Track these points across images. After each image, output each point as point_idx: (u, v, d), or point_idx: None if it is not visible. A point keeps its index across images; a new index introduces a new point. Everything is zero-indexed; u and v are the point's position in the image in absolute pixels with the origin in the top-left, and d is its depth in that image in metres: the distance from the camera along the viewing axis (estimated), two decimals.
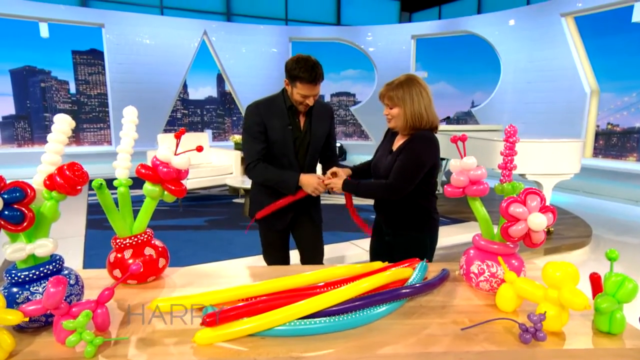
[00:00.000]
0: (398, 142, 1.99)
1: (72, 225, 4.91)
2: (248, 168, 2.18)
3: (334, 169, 2.09)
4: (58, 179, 1.20)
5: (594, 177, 7.32)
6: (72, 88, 10.28)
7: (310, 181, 2.07)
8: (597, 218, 5.74)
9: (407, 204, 1.95)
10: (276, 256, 2.38)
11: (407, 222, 1.98)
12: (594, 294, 1.35)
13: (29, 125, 9.92)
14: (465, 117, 10.98)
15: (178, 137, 1.46)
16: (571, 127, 7.87)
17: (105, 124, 10.12)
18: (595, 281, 1.40)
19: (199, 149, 1.48)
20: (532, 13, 8.53)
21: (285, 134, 2.13)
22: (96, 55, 9.95)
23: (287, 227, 2.31)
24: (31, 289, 1.18)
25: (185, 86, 10.87)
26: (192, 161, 1.48)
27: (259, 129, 2.13)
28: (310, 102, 2.08)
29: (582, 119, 7.81)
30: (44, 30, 8.59)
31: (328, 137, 2.30)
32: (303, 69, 1.97)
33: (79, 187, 1.24)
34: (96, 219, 5.16)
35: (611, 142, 8.27)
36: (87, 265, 3.66)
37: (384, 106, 1.95)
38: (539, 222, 1.26)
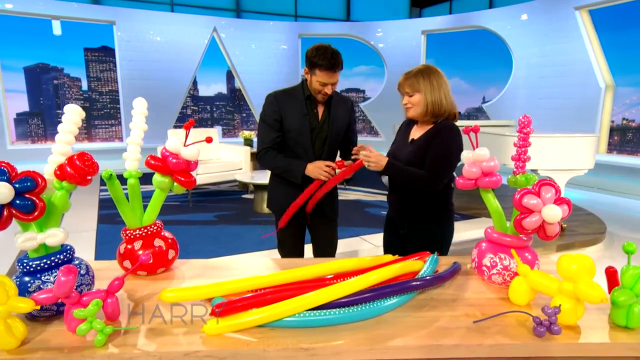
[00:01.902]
0: (417, 131, 1.97)
1: (84, 220, 4.97)
2: (259, 155, 2.20)
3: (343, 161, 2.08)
4: (68, 169, 1.20)
5: (609, 174, 7.19)
6: (84, 85, 10.40)
7: (316, 165, 2.06)
8: (611, 215, 5.64)
9: (427, 195, 1.92)
10: (291, 249, 2.36)
11: (426, 215, 1.96)
12: (610, 288, 1.31)
13: (42, 121, 10.06)
14: (476, 113, 10.86)
15: (187, 128, 1.46)
16: (585, 123, 7.74)
17: (116, 120, 10.22)
18: (612, 275, 1.36)
19: (209, 140, 1.48)
20: (545, 7, 8.39)
21: (302, 123, 2.13)
22: (107, 52, 10.03)
23: (302, 220, 2.29)
24: (42, 278, 1.19)
25: (195, 83, 10.91)
26: (202, 157, 1.48)
27: (274, 117, 2.15)
28: (328, 90, 2.08)
29: (596, 114, 7.67)
30: (57, 28, 8.70)
31: (348, 131, 2.28)
32: (322, 56, 1.99)
33: (89, 177, 1.25)
34: (108, 214, 5.21)
35: (626, 137, 8.11)
36: (98, 258, 3.70)
37: (403, 95, 1.93)
38: (553, 214, 1.23)
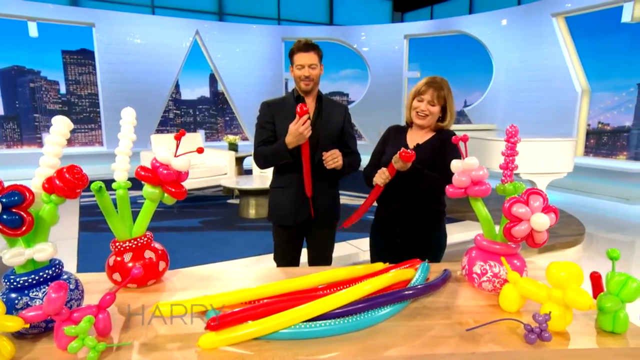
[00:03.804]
0: (418, 137, 2.02)
1: (65, 228, 4.84)
2: (253, 156, 2.25)
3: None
4: (57, 182, 1.17)
5: (586, 176, 7.40)
6: (62, 88, 10.18)
7: (291, 133, 1.98)
8: (589, 216, 5.81)
9: (429, 201, 1.98)
10: (286, 257, 2.35)
11: (428, 220, 2.01)
12: (595, 294, 1.35)
13: (18, 126, 9.79)
14: (457, 117, 11.03)
15: (178, 139, 1.44)
16: (563, 126, 7.96)
17: (96, 124, 10.03)
18: (596, 280, 1.40)
19: (200, 150, 1.47)
20: (524, 13, 8.61)
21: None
22: (87, 55, 9.86)
23: (300, 226, 2.28)
24: (30, 294, 1.16)
25: (177, 86, 10.80)
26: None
27: (266, 120, 2.23)
28: (306, 72, 2.11)
29: (573, 118, 7.90)
30: (33, 30, 8.48)
31: (343, 136, 2.28)
32: (297, 43, 2.15)
33: (79, 190, 1.22)
34: (89, 221, 5.10)
35: (602, 140, 8.38)
36: (81, 268, 3.61)
37: (423, 101, 1.96)
38: (542, 222, 1.26)
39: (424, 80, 1.99)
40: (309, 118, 1.97)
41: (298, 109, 1.92)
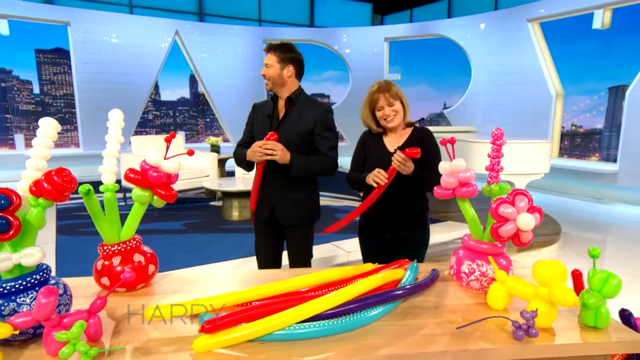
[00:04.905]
0: (396, 140, 2.06)
1: (41, 232, 4.69)
2: (233, 153, 2.40)
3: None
4: (45, 185, 1.15)
5: (560, 177, 7.64)
6: (36, 88, 9.87)
7: (251, 149, 2.10)
8: (564, 216, 5.99)
9: (417, 198, 2.04)
10: (268, 259, 2.36)
11: (415, 216, 2.08)
12: (577, 291, 1.41)
13: None
14: (437, 119, 11.23)
15: (168, 141, 1.43)
16: (538, 128, 8.19)
17: (72, 125, 9.76)
18: (577, 278, 1.46)
19: (190, 152, 1.46)
20: (500, 18, 8.83)
21: (264, 125, 2.24)
22: (62, 55, 9.60)
23: (272, 225, 2.28)
24: (18, 300, 1.13)
25: (157, 87, 10.62)
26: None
27: (249, 122, 2.37)
28: (263, 71, 2.19)
29: (548, 120, 8.14)
30: (4, 28, 8.21)
31: (314, 137, 2.18)
32: None
33: (67, 193, 1.20)
34: (67, 225, 4.96)
35: (575, 142, 8.66)
36: (60, 273, 3.52)
37: (383, 108, 2.00)
38: (527, 222, 1.30)
39: (372, 91, 2.03)
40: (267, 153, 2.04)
41: (268, 136, 2.04)
